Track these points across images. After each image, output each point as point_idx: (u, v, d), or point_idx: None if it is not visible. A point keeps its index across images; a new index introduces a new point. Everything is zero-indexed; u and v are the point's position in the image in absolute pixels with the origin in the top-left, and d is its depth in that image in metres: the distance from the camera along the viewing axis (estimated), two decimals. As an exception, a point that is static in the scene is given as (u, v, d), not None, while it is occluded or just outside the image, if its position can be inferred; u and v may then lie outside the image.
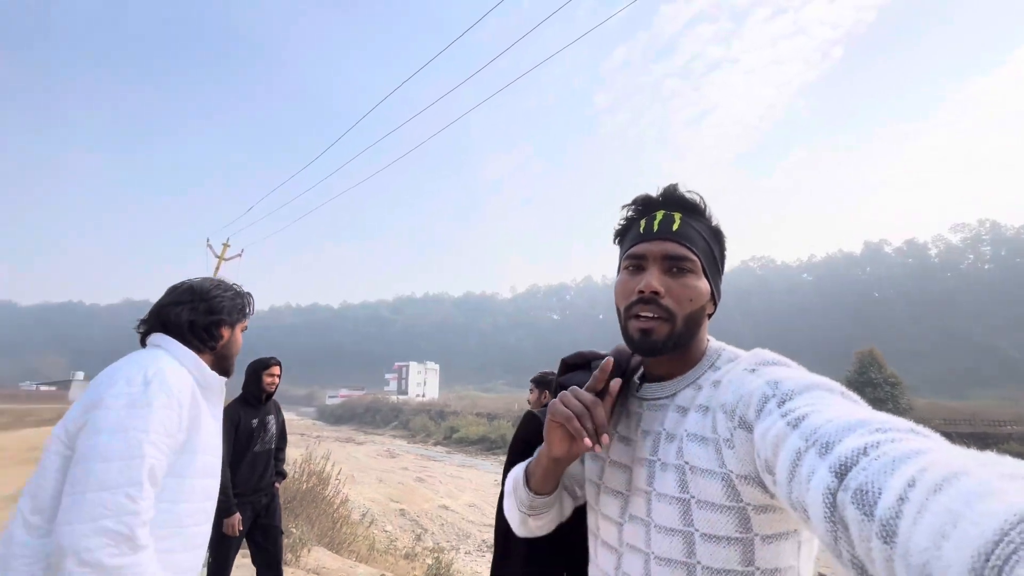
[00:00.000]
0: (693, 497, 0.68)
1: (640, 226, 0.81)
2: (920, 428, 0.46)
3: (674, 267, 0.76)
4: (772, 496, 0.61)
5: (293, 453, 6.24)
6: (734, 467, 0.65)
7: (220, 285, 1.41)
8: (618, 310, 0.81)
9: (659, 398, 0.80)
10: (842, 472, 0.43)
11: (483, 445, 35.26)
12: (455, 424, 42.26)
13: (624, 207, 0.85)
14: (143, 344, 1.32)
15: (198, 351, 1.31)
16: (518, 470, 0.92)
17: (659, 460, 0.74)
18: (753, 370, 0.68)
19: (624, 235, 0.85)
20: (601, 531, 0.82)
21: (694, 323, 0.77)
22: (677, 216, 0.78)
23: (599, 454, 0.85)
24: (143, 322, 1.35)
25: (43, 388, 68.65)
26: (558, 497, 0.92)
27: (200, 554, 1.22)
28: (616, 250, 0.89)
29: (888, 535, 0.36)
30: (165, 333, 1.29)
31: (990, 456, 0.37)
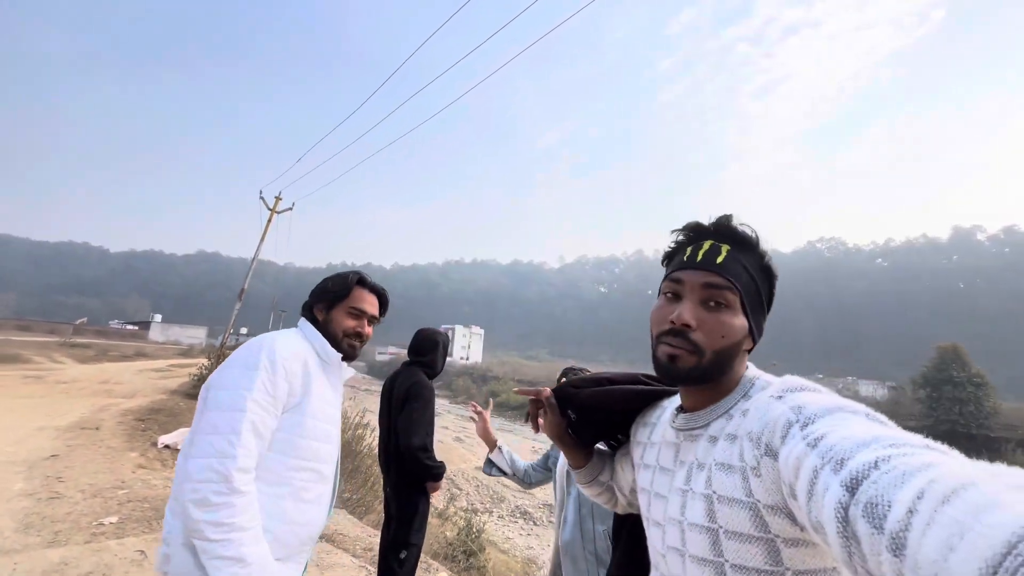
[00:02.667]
0: (721, 527, 0.68)
1: (686, 253, 0.80)
2: (934, 443, 0.46)
3: (711, 300, 0.75)
4: (802, 528, 0.60)
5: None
6: (761, 496, 0.64)
7: (338, 274, 1.54)
8: (651, 334, 0.81)
9: (694, 428, 0.80)
10: (853, 486, 0.43)
11: (523, 411, 35.29)
12: (496, 389, 42.74)
13: (674, 231, 0.84)
14: None
15: (320, 330, 1.46)
16: None
17: (691, 490, 0.75)
18: (780, 396, 0.67)
19: (671, 259, 0.84)
20: (658, 564, 0.83)
21: (725, 358, 0.75)
22: (724, 248, 0.77)
23: (645, 487, 0.89)
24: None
25: (128, 327, 75.65)
26: (594, 476, 1.10)
27: (312, 511, 1.34)
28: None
29: (898, 548, 0.36)
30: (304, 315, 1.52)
31: (1000, 467, 0.37)
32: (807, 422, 0.58)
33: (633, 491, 1.03)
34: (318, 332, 1.45)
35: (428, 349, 2.82)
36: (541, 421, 1.10)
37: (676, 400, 0.89)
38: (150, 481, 5.12)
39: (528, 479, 2.20)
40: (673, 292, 0.78)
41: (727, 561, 0.67)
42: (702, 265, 0.76)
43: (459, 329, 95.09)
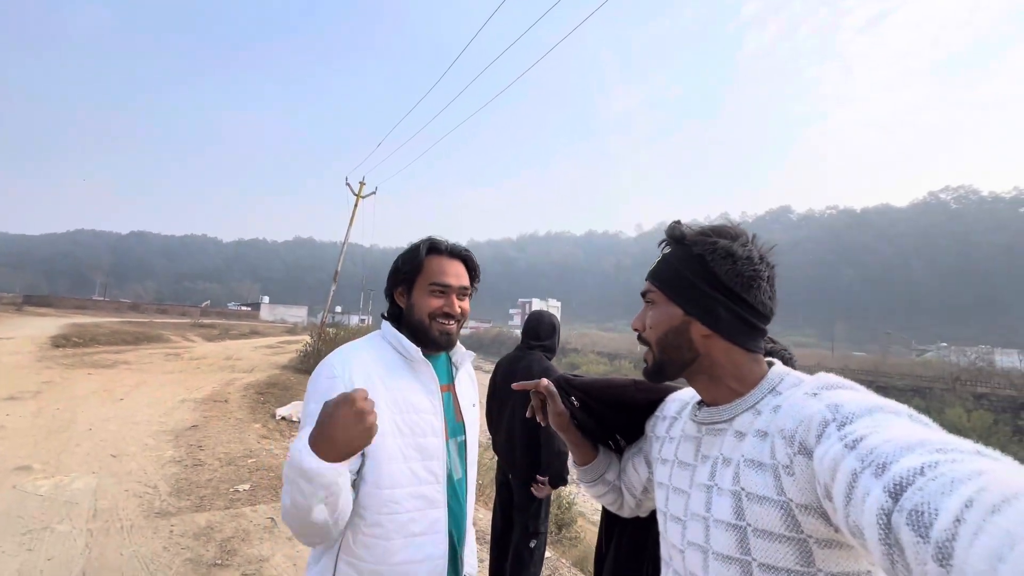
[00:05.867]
0: (749, 525, 0.67)
1: None
2: (985, 449, 0.45)
3: (648, 302, 0.87)
4: (836, 530, 0.60)
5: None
6: (794, 495, 0.63)
7: (408, 247, 1.31)
8: None
9: (717, 422, 0.80)
10: (897, 493, 0.43)
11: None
12: (575, 361, 42.83)
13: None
14: None
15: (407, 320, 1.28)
16: None
17: (716, 485, 0.74)
18: (815, 394, 0.66)
19: None
20: (673, 559, 0.83)
21: (669, 347, 0.82)
22: (663, 254, 0.87)
23: (663, 481, 0.90)
24: None
25: (243, 308, 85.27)
26: (600, 474, 1.09)
27: (428, 544, 1.18)
28: None
29: (944, 558, 0.36)
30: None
31: None
32: (844, 421, 0.57)
33: (645, 490, 1.04)
34: (395, 329, 1.26)
35: (547, 333, 2.74)
36: (548, 413, 1.12)
37: (696, 394, 0.92)
38: (272, 451, 5.65)
39: None
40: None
41: (755, 560, 0.65)
42: (646, 276, 0.88)
43: (536, 302, 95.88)
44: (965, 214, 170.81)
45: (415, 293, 1.25)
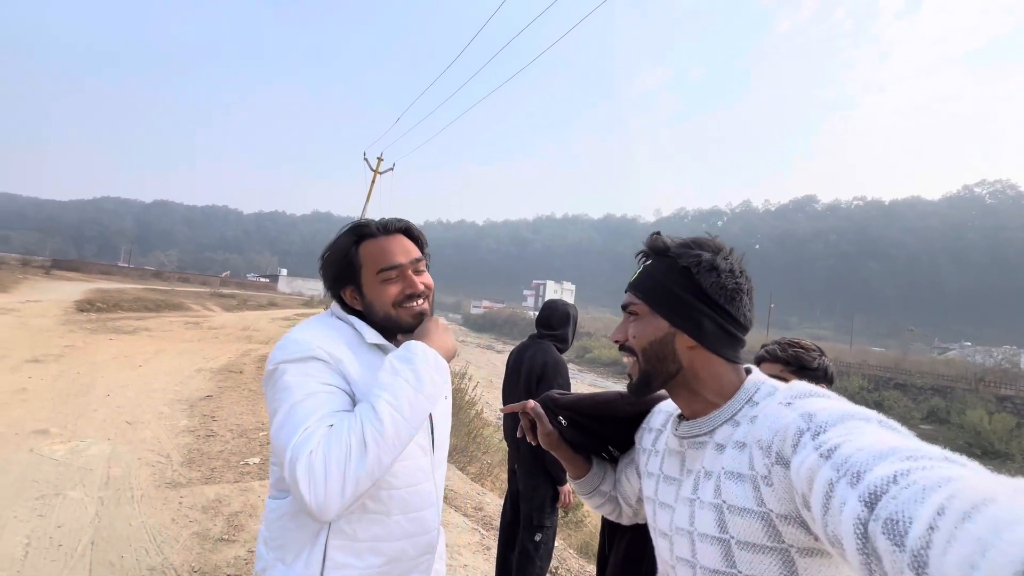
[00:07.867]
0: (733, 538, 0.67)
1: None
2: (953, 455, 0.46)
3: (630, 315, 0.86)
4: (816, 538, 0.60)
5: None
6: (773, 506, 0.63)
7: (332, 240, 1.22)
8: None
9: (698, 435, 0.80)
10: (872, 502, 0.43)
11: (615, 368, 35.34)
12: (588, 344, 42.72)
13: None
14: None
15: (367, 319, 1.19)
16: None
17: (698, 499, 0.75)
18: (788, 403, 0.67)
19: None
20: (668, 574, 0.84)
21: (652, 358, 0.82)
22: (644, 266, 0.86)
23: (649, 495, 0.90)
24: None
25: (261, 279, 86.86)
26: (595, 486, 1.09)
27: (428, 515, 1.15)
28: None
29: (920, 566, 0.36)
30: None
31: (1021, 482, 0.37)
32: (818, 431, 0.58)
33: (640, 500, 1.02)
34: (347, 314, 1.14)
35: (560, 323, 2.67)
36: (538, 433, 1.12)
37: (676, 407, 0.91)
38: (284, 425, 5.68)
39: None
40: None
41: (740, 572, 0.67)
42: (627, 288, 0.87)
43: (550, 284, 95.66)
44: (1000, 209, 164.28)
45: (366, 288, 1.12)
